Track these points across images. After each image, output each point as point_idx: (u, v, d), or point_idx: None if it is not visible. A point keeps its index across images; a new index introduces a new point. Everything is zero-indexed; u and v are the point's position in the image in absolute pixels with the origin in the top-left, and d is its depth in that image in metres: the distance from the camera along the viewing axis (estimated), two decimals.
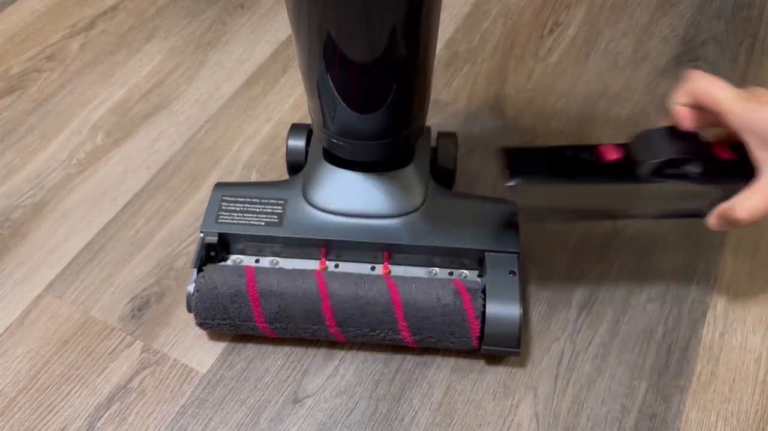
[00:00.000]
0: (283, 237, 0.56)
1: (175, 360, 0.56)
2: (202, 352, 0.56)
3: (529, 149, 0.57)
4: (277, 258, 0.58)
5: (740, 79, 0.77)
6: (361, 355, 0.56)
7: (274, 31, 0.83)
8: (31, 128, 0.73)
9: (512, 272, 0.54)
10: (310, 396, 0.54)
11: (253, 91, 0.77)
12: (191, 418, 0.53)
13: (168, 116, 0.74)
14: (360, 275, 0.54)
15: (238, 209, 0.57)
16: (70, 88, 0.77)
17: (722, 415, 0.53)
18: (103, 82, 0.78)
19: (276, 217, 0.57)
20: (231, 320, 0.53)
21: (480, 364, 0.55)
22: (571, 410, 0.53)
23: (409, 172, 0.57)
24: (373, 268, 0.57)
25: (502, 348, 0.53)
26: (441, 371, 0.55)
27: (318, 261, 0.57)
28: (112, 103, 0.75)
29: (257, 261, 0.58)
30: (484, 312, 0.52)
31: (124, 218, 0.65)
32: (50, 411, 0.53)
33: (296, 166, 0.62)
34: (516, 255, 0.55)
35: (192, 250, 0.62)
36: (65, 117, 0.74)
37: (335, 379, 0.55)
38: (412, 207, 0.57)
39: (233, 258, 0.58)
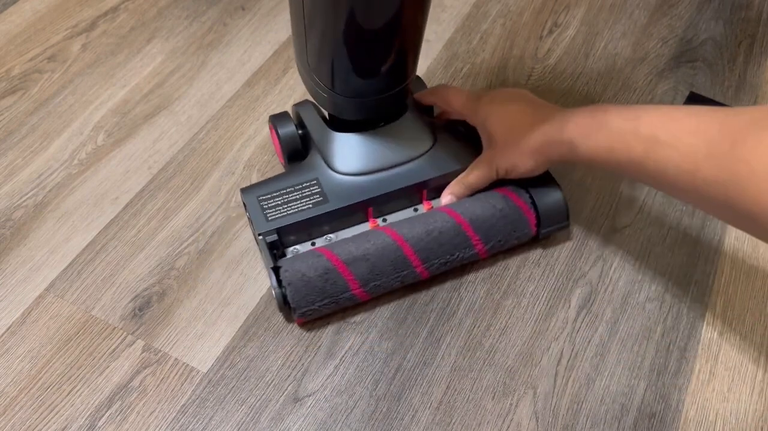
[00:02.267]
0: (335, 210, 0.58)
1: (176, 359, 0.56)
2: (203, 351, 0.56)
3: None
4: (330, 235, 0.60)
5: (739, 80, 0.77)
6: (361, 354, 0.56)
7: (274, 32, 0.84)
8: (32, 129, 0.73)
9: None
10: (310, 395, 0.54)
11: (253, 91, 0.77)
12: (192, 417, 0.53)
13: (169, 117, 0.74)
14: (418, 216, 0.58)
15: (279, 202, 0.58)
16: (72, 89, 0.77)
17: (721, 414, 0.53)
18: (105, 83, 0.78)
19: (318, 196, 0.59)
20: (329, 297, 0.54)
21: (479, 363, 0.55)
22: (571, 409, 0.53)
23: (413, 116, 0.62)
24: (416, 209, 0.62)
25: (556, 225, 0.60)
26: (440, 370, 0.55)
27: (368, 223, 0.60)
28: (113, 103, 0.76)
29: (313, 244, 0.59)
30: (534, 203, 0.58)
31: (126, 218, 0.65)
32: (51, 411, 0.53)
33: (294, 152, 0.63)
34: None
35: (193, 250, 0.63)
36: (66, 117, 0.74)
37: (335, 378, 0.55)
38: (429, 144, 0.61)
39: (290, 251, 0.59)
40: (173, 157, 0.71)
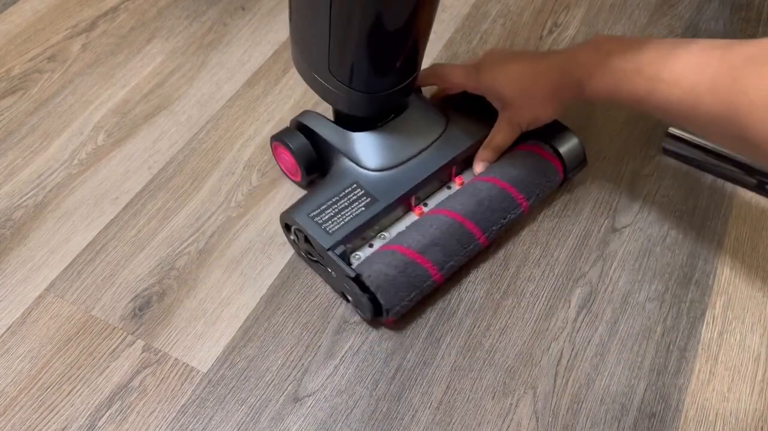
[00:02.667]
0: (389, 204, 0.59)
1: (176, 359, 0.56)
2: (203, 351, 0.56)
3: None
4: (383, 233, 0.60)
5: None
6: (361, 354, 0.56)
7: (274, 32, 0.84)
8: (32, 129, 0.73)
9: None
10: (310, 395, 0.54)
11: (253, 91, 0.77)
12: (192, 417, 0.53)
13: (169, 117, 0.74)
14: (460, 191, 0.61)
15: (331, 214, 0.57)
16: (72, 89, 0.77)
17: (721, 414, 0.53)
18: (105, 83, 0.78)
19: (365, 197, 0.59)
20: (416, 289, 0.55)
21: (479, 363, 0.55)
22: (571, 409, 0.53)
23: (420, 101, 0.64)
24: (449, 187, 0.64)
25: (578, 167, 0.65)
26: (441, 370, 0.55)
27: (412, 212, 0.62)
28: (113, 103, 0.76)
29: (371, 245, 0.60)
30: (557, 151, 0.63)
31: (126, 218, 0.65)
32: (51, 411, 0.53)
33: (311, 163, 0.63)
34: None
35: (193, 250, 0.63)
36: (66, 117, 0.74)
37: (335, 378, 0.55)
38: (444, 123, 0.63)
39: (353, 258, 0.59)
40: (173, 157, 0.71)
